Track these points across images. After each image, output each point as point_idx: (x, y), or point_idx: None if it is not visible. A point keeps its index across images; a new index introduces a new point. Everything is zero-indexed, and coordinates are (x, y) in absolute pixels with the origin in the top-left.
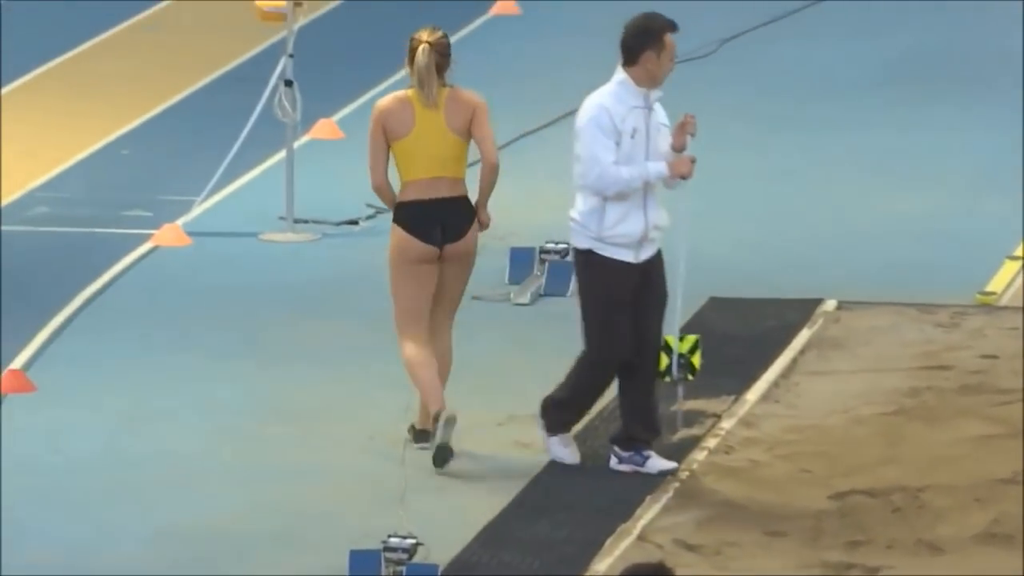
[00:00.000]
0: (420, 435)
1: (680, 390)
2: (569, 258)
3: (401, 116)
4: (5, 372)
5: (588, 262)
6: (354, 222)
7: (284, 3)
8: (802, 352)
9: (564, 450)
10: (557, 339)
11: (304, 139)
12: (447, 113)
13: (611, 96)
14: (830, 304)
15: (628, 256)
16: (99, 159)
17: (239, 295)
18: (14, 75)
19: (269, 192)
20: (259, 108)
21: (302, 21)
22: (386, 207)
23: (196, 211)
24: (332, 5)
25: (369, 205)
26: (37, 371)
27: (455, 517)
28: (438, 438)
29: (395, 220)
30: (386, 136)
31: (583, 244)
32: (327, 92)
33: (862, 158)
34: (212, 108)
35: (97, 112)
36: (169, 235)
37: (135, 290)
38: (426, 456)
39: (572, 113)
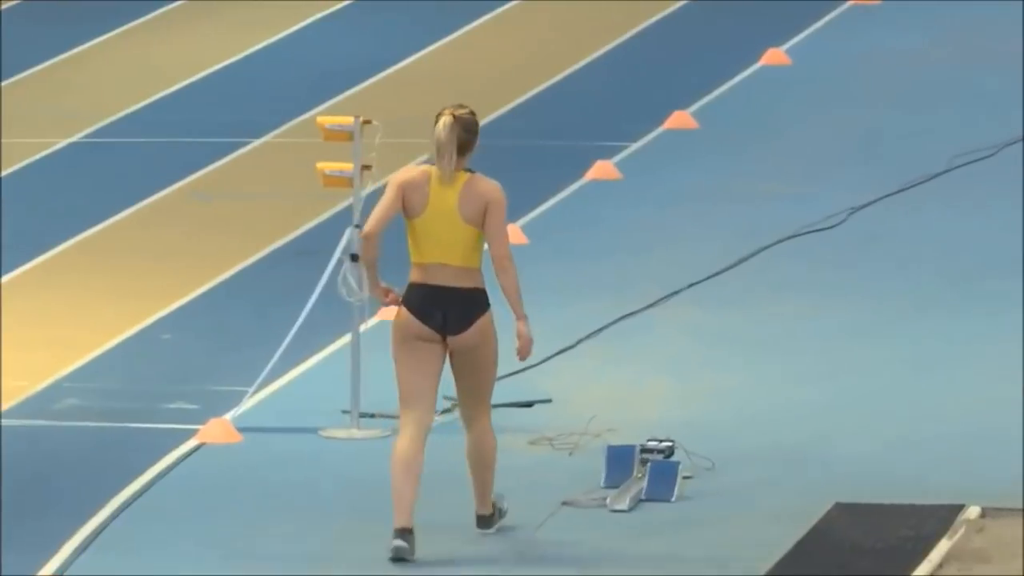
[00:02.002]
0: (398, 534)
1: None
2: (675, 458)
3: (419, 192)
4: None
5: None
6: None
7: (350, 167)
8: (941, 566)
9: None
10: (660, 551)
11: (372, 321)
12: (461, 199)
13: None
14: (973, 511)
15: None
16: (137, 344)
17: (296, 499)
18: (42, 248)
19: (331, 382)
20: (321, 285)
21: (371, 187)
22: (364, 263)
23: (247, 404)
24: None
25: (447, 397)
26: None
27: None
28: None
29: (402, 300)
30: (404, 206)
31: None
32: (398, 267)
33: (1013, 344)
34: (267, 286)
35: (135, 290)
36: (217, 431)
37: (178, 493)
38: None
39: (677, 292)
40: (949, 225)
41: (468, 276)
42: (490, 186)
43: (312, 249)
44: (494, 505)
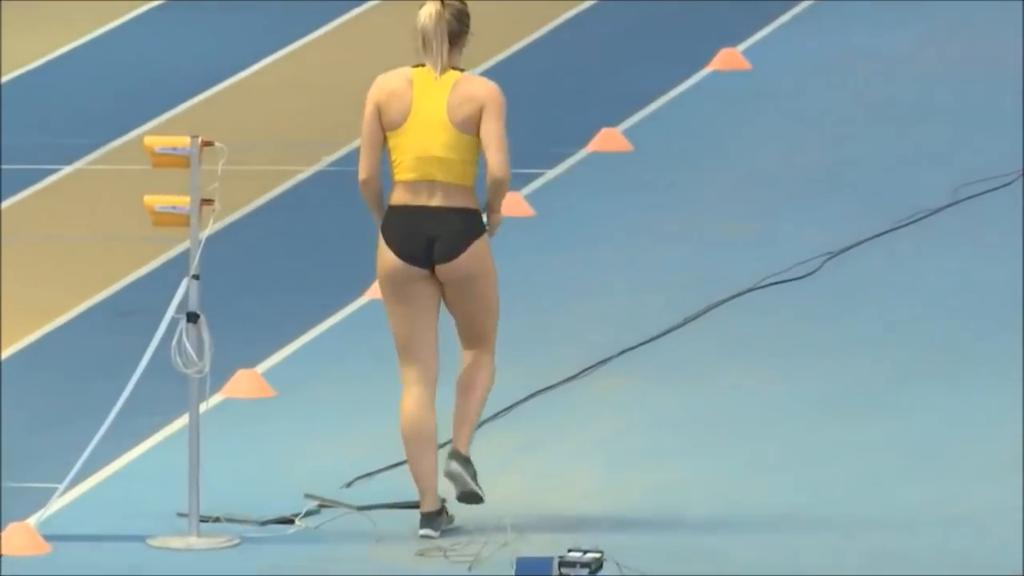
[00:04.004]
0: (425, 520)
1: None
2: (604, 573)
3: (399, 99)
4: None
5: None
6: (288, 520)
7: (187, 202)
8: None
9: None
10: None
11: (216, 399)
12: (451, 103)
13: None
14: None
15: None
16: None
17: None
18: None
19: (164, 477)
20: (149, 353)
21: (214, 227)
22: (372, 217)
23: (56, 505)
24: (261, 201)
25: (309, 496)
26: None
27: None
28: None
29: (380, 227)
30: (382, 121)
31: None
32: (250, 330)
33: None
34: (81, 354)
35: None
36: (17, 539)
37: None
38: None
39: (606, 361)
40: (948, 275)
41: (460, 194)
42: (484, 85)
43: (139, 307)
44: (468, 460)
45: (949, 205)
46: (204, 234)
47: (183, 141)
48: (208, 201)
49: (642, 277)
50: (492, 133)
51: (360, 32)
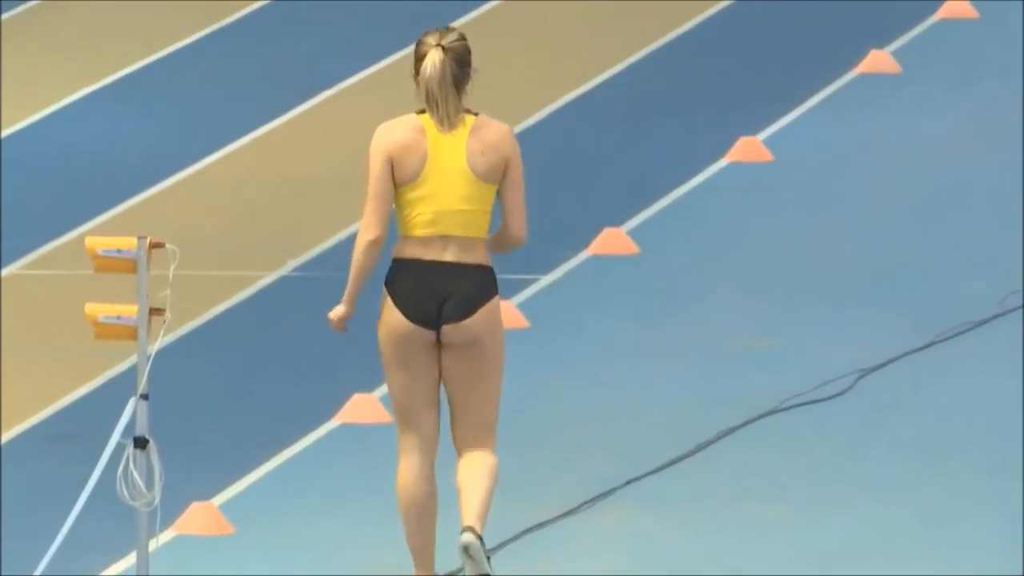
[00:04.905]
0: None
1: None
2: None
3: (414, 150)
4: None
5: None
6: None
7: (133, 311)
8: None
9: None
10: None
11: (167, 535)
12: (471, 151)
13: None
14: None
15: None
16: None
17: None
18: None
19: None
20: (91, 483)
21: (164, 340)
22: (349, 288)
23: None
24: (217, 310)
25: None
26: None
27: None
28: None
29: (385, 281)
30: (394, 176)
31: None
32: (205, 458)
33: None
34: (12, 484)
35: None
36: None
37: None
38: None
39: (609, 493)
40: (996, 395)
41: (474, 249)
42: (505, 134)
43: (79, 430)
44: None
45: (998, 316)
46: (153, 348)
47: (129, 242)
48: (158, 310)
49: (649, 397)
50: (516, 198)
51: (325, 118)
